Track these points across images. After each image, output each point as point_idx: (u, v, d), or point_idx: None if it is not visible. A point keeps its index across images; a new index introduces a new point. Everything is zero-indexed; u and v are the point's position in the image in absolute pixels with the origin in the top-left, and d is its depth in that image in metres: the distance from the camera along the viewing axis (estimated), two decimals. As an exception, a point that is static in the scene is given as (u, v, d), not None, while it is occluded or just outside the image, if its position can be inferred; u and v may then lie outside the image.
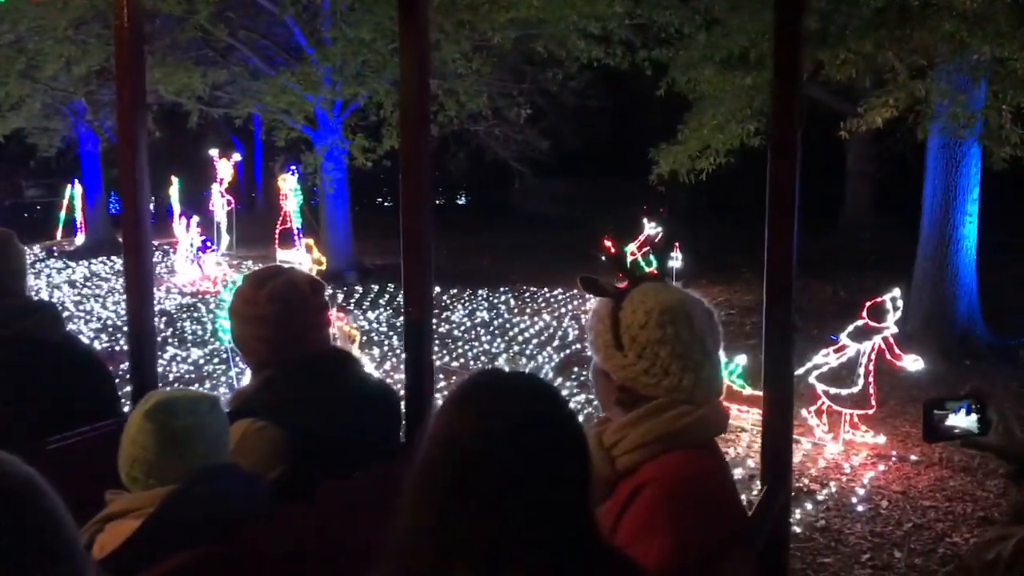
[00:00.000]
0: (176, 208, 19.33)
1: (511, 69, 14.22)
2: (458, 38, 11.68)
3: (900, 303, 5.90)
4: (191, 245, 14.21)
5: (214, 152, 15.01)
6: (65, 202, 18.41)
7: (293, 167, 14.34)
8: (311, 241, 7.05)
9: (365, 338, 8.51)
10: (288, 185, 13.83)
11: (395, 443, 2.27)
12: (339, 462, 2.03)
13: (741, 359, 6.23)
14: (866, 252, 13.70)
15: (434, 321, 5.86)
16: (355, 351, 7.28)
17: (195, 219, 14.30)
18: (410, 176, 2.34)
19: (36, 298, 2.74)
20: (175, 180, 18.82)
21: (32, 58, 12.92)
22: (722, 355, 1.74)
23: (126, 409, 2.61)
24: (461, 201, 29.58)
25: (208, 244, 13.22)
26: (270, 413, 2.00)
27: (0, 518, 0.57)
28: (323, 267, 6.75)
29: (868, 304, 5.85)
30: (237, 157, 14.49)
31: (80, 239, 19.36)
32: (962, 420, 1.67)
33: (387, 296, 12.11)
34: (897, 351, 6.02)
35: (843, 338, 5.95)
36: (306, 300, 2.13)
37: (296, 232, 14.10)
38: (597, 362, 1.74)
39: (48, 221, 20.68)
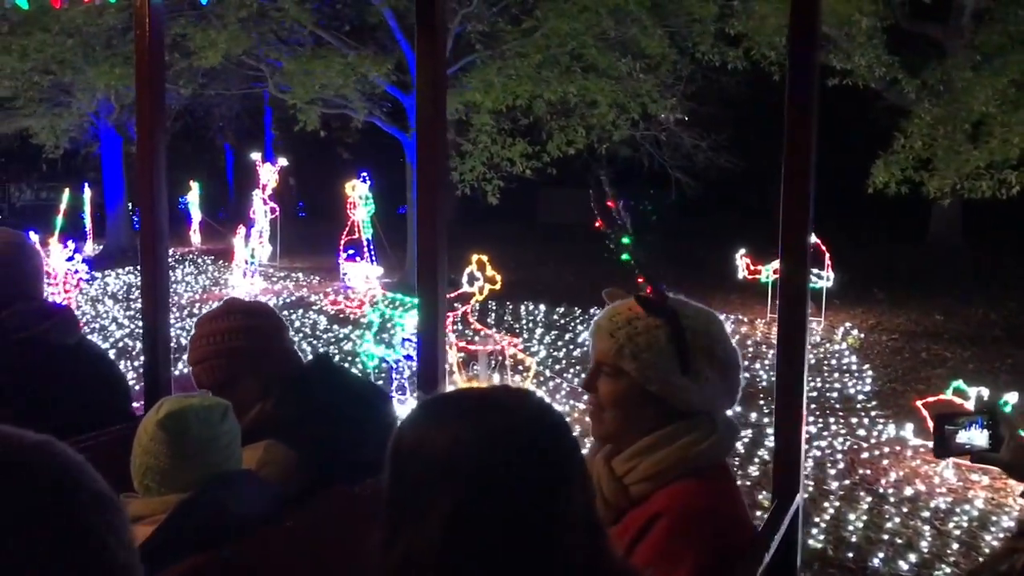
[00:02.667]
0: (196, 215, 19.35)
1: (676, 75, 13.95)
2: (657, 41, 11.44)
3: None
4: (250, 257, 13.75)
5: (256, 157, 14.50)
6: (63, 206, 18.25)
7: (364, 174, 13.82)
8: (484, 257, 6.75)
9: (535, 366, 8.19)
10: (358, 193, 13.27)
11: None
12: (350, 468, 2.05)
13: (1011, 397, 5.81)
14: (961, 270, 13.63)
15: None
16: (528, 383, 7.18)
17: (256, 230, 13.72)
18: (424, 187, 2.35)
19: (52, 302, 2.83)
20: (194, 185, 18.85)
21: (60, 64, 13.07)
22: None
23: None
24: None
25: (354, 255, 12.08)
26: (283, 436, 2.03)
27: (58, 493, 0.61)
28: (496, 287, 6.56)
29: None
30: (283, 162, 14.08)
31: (90, 246, 19.35)
32: (975, 436, 1.71)
33: (507, 314, 11.58)
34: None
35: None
36: (250, 322, 2.14)
37: (366, 244, 13.64)
38: (652, 389, 1.61)
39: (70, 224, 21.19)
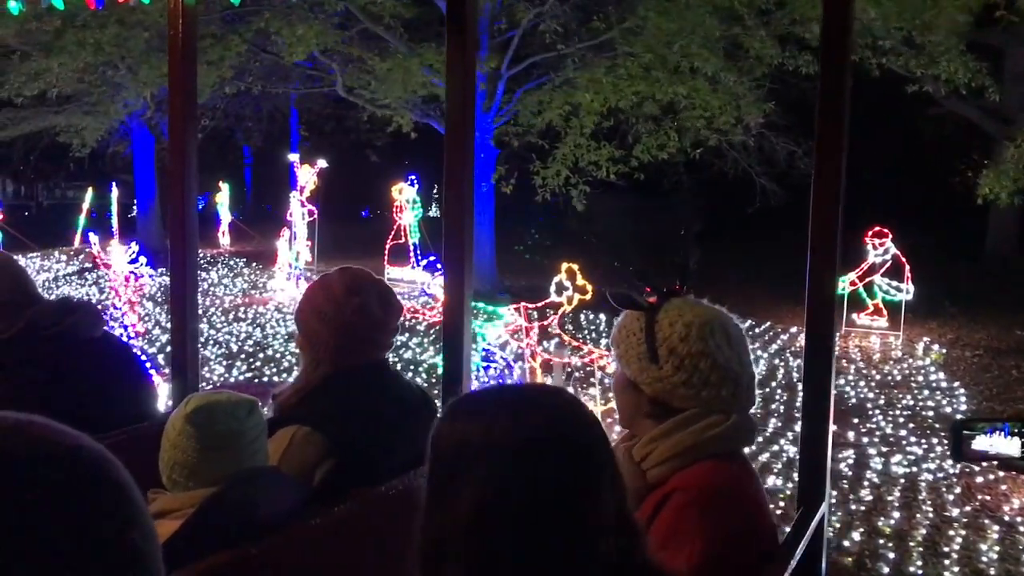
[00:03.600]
0: (225, 217, 19.15)
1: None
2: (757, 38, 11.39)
3: None
4: (294, 260, 13.76)
5: (294, 158, 14.44)
6: (86, 206, 17.68)
7: (412, 177, 13.84)
8: (574, 266, 6.86)
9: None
10: (405, 196, 13.40)
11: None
12: (380, 469, 2.18)
13: None
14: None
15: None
16: (598, 403, 7.14)
17: (297, 231, 13.69)
18: (452, 188, 2.48)
19: (73, 298, 3.12)
20: (223, 186, 18.54)
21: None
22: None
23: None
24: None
25: (434, 263, 12.11)
26: (314, 420, 2.15)
27: (79, 483, 0.65)
28: (587, 297, 6.66)
29: None
30: (322, 163, 14.11)
31: (116, 247, 20.20)
32: (1000, 443, 1.83)
33: (584, 324, 11.39)
34: None
35: None
36: (385, 317, 2.31)
37: (412, 249, 13.63)
38: (627, 375, 1.82)
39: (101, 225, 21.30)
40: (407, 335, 10.69)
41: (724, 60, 12.01)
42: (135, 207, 22.80)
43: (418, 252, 13.74)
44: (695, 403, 1.75)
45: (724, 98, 12.46)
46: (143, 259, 9.60)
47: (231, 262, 17.85)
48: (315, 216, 14.57)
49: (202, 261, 17.31)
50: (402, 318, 2.39)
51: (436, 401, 2.47)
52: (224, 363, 9.37)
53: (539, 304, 7.75)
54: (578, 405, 1.32)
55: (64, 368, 2.52)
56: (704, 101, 12.43)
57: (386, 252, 14.03)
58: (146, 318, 11.69)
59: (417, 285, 13.73)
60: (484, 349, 7.36)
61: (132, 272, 9.39)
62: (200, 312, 11.78)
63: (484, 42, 12.75)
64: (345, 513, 2.05)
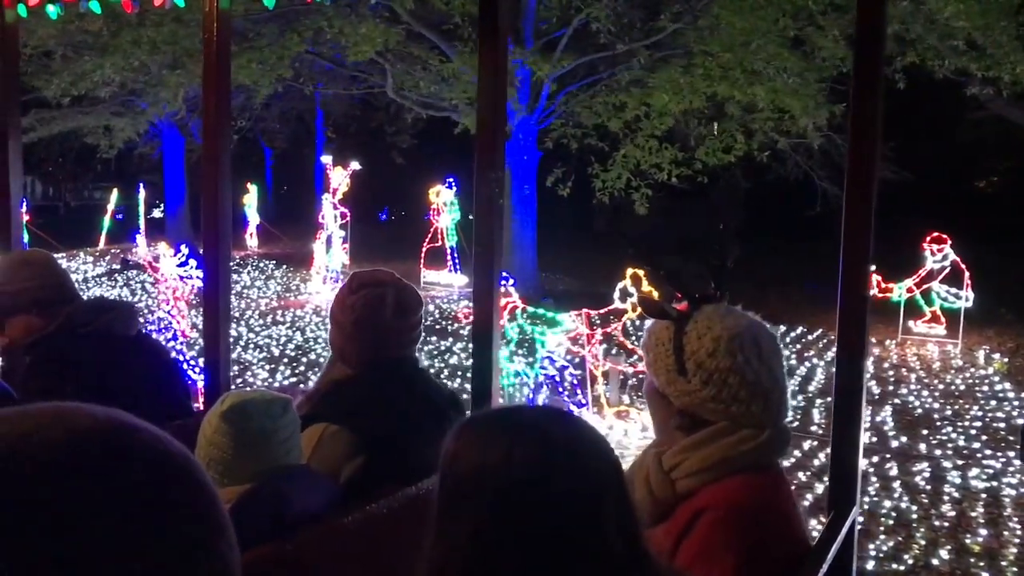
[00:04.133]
0: (253, 219, 19.14)
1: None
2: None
3: None
4: (330, 263, 13.83)
5: (327, 160, 14.68)
6: (110, 207, 17.86)
7: (450, 179, 13.81)
8: (640, 271, 7.03)
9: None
10: (443, 199, 13.50)
11: None
12: (408, 467, 2.24)
13: None
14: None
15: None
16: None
17: (326, 234, 13.77)
18: (482, 188, 2.57)
19: (109, 297, 3.30)
20: (252, 188, 18.64)
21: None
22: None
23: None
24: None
25: (504, 278, 12.08)
26: (342, 417, 2.23)
27: (169, 489, 0.64)
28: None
29: None
30: (355, 165, 14.26)
31: (143, 249, 20.68)
32: None
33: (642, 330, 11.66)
34: None
35: None
36: (391, 315, 2.37)
37: (450, 252, 13.74)
38: (657, 385, 1.84)
39: (124, 226, 20.80)
40: (450, 339, 10.72)
41: (801, 60, 11.86)
42: (161, 208, 23.22)
43: (456, 256, 13.76)
44: (725, 417, 1.75)
45: (805, 99, 12.28)
46: (193, 262, 9.59)
47: (261, 264, 17.98)
48: (347, 218, 14.72)
49: (232, 263, 17.69)
50: (418, 316, 2.45)
51: (464, 401, 2.59)
52: (267, 367, 9.45)
53: (602, 310, 7.67)
54: (579, 433, 1.32)
55: (99, 366, 2.62)
56: (784, 102, 12.27)
57: (422, 255, 14.09)
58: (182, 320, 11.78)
59: (455, 289, 13.75)
60: (544, 357, 7.28)
61: (182, 276, 9.41)
62: (236, 315, 11.85)
63: (529, 40, 12.67)
64: (377, 511, 2.11)
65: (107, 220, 18.62)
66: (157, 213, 24.47)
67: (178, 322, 9.28)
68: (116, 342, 2.74)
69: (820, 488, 6.03)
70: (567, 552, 1.22)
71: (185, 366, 6.67)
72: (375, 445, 2.24)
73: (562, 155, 14.88)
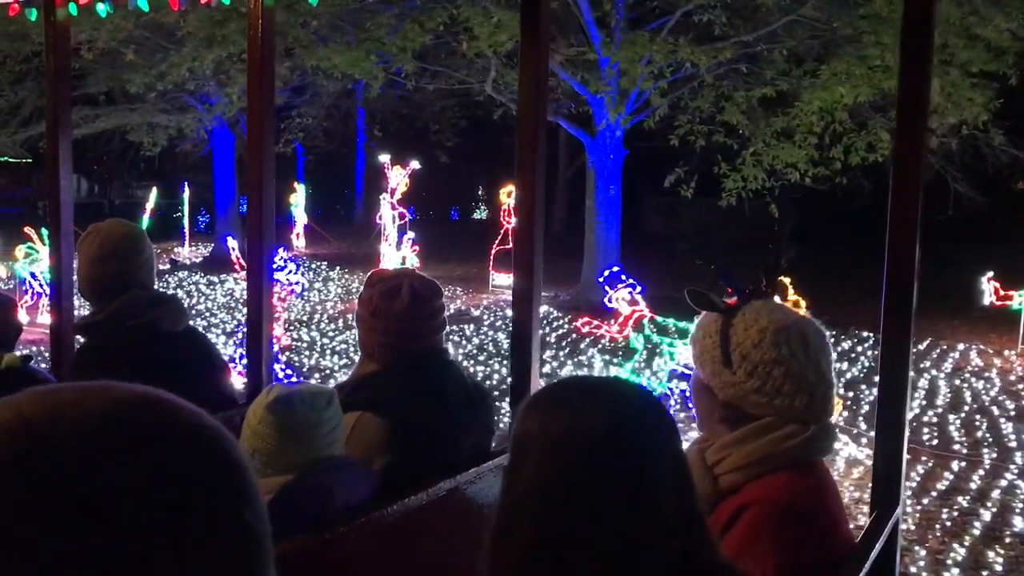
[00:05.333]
0: (301, 218, 19.54)
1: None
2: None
3: None
4: (400, 265, 13.24)
5: (385, 158, 14.59)
6: (149, 205, 17.87)
7: None
8: (787, 279, 6.98)
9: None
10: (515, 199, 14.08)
11: (488, 444, 2.67)
12: (439, 457, 2.41)
13: None
14: None
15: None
16: None
17: (408, 236, 13.77)
18: (524, 184, 2.73)
19: (163, 291, 3.57)
20: (299, 187, 18.90)
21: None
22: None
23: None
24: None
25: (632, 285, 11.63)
26: (376, 406, 2.39)
27: (197, 456, 0.71)
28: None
29: None
30: (415, 164, 14.27)
31: (186, 250, 19.84)
32: None
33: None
34: None
35: None
36: (405, 304, 2.55)
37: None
38: (702, 377, 1.93)
39: (166, 226, 21.63)
40: (571, 350, 10.69)
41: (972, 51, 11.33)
42: (203, 207, 23.76)
43: None
44: (769, 411, 1.83)
45: (988, 94, 11.93)
46: (292, 266, 9.67)
47: (314, 265, 18.19)
48: (406, 219, 14.65)
49: (282, 264, 18.00)
50: (436, 304, 2.63)
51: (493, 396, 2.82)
52: (349, 373, 9.44)
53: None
54: (637, 399, 1.44)
55: (143, 361, 2.79)
56: (963, 97, 11.90)
57: (491, 257, 14.30)
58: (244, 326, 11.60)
59: (636, 301, 13.84)
60: (671, 371, 7.11)
61: (279, 280, 9.34)
62: (304, 318, 12.24)
63: (618, 31, 12.43)
64: (416, 504, 2.25)
65: (147, 219, 19.18)
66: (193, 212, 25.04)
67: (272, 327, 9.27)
68: (163, 337, 2.91)
69: (988, 515, 5.95)
70: (622, 516, 1.33)
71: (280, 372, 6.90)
72: (407, 433, 2.38)
73: (663, 154, 14.55)
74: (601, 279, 9.96)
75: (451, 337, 11.08)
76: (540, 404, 1.43)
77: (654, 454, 1.38)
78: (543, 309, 12.69)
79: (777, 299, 1.99)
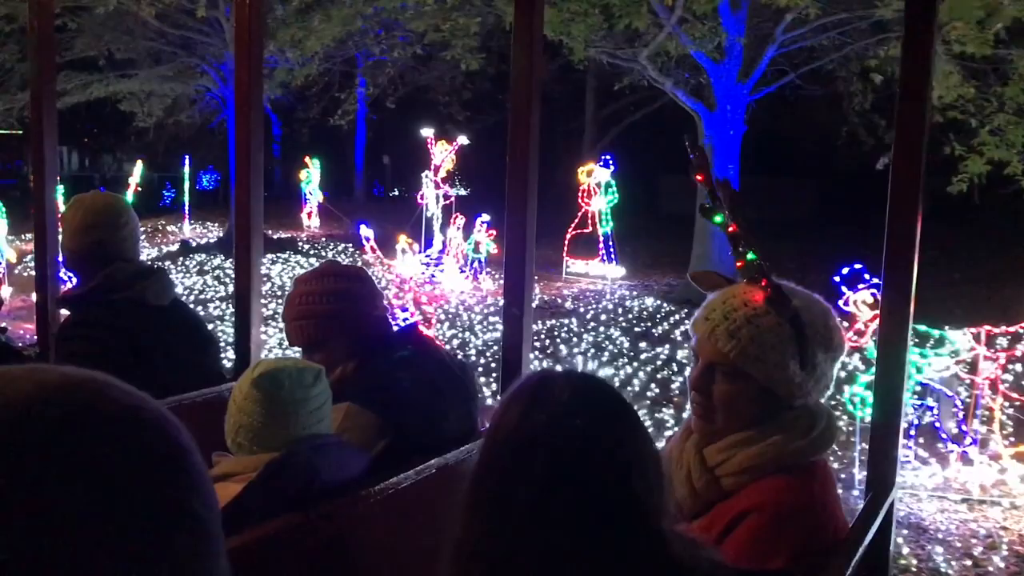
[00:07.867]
0: (315, 196, 18.39)
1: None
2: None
3: None
4: (473, 252, 13.10)
5: (428, 132, 13.42)
6: (133, 181, 18.74)
7: (607, 157, 13.01)
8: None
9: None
10: (595, 179, 12.76)
11: (474, 420, 2.68)
12: (428, 439, 2.43)
13: None
14: None
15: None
16: None
17: (481, 219, 12.85)
18: (516, 176, 2.70)
19: (148, 263, 3.56)
20: (312, 163, 17.87)
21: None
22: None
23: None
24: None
25: (876, 286, 9.29)
26: (362, 398, 2.41)
27: (136, 445, 0.69)
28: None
29: None
30: (463, 140, 13.35)
31: (187, 228, 18.65)
32: None
33: None
34: None
35: None
36: (300, 288, 2.60)
37: (605, 240, 12.90)
38: (758, 378, 1.84)
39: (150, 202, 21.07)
40: (636, 340, 9.95)
41: None
42: (207, 181, 23.35)
43: (610, 243, 12.99)
44: (800, 396, 1.85)
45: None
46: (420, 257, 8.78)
47: (330, 246, 17.31)
48: (451, 200, 13.62)
49: (303, 244, 16.83)
50: (354, 284, 2.65)
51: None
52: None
53: (1010, 328, 6.65)
54: (594, 392, 1.46)
55: (128, 333, 2.81)
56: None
57: (566, 242, 13.32)
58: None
59: (607, 281, 12.85)
60: (919, 383, 6.51)
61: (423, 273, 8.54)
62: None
63: None
64: (404, 482, 2.25)
65: (130, 194, 19.22)
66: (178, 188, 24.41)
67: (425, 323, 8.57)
68: (148, 310, 2.90)
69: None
70: (596, 515, 1.34)
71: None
72: (398, 419, 2.41)
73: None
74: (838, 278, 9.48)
75: (555, 333, 10.38)
76: (519, 399, 1.44)
77: (630, 450, 1.42)
78: (653, 302, 12.21)
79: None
